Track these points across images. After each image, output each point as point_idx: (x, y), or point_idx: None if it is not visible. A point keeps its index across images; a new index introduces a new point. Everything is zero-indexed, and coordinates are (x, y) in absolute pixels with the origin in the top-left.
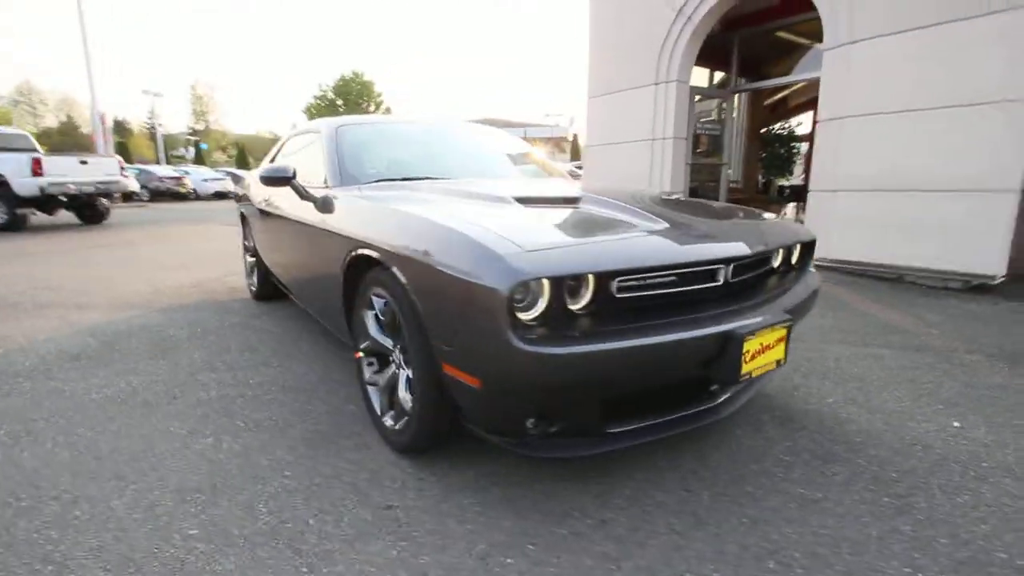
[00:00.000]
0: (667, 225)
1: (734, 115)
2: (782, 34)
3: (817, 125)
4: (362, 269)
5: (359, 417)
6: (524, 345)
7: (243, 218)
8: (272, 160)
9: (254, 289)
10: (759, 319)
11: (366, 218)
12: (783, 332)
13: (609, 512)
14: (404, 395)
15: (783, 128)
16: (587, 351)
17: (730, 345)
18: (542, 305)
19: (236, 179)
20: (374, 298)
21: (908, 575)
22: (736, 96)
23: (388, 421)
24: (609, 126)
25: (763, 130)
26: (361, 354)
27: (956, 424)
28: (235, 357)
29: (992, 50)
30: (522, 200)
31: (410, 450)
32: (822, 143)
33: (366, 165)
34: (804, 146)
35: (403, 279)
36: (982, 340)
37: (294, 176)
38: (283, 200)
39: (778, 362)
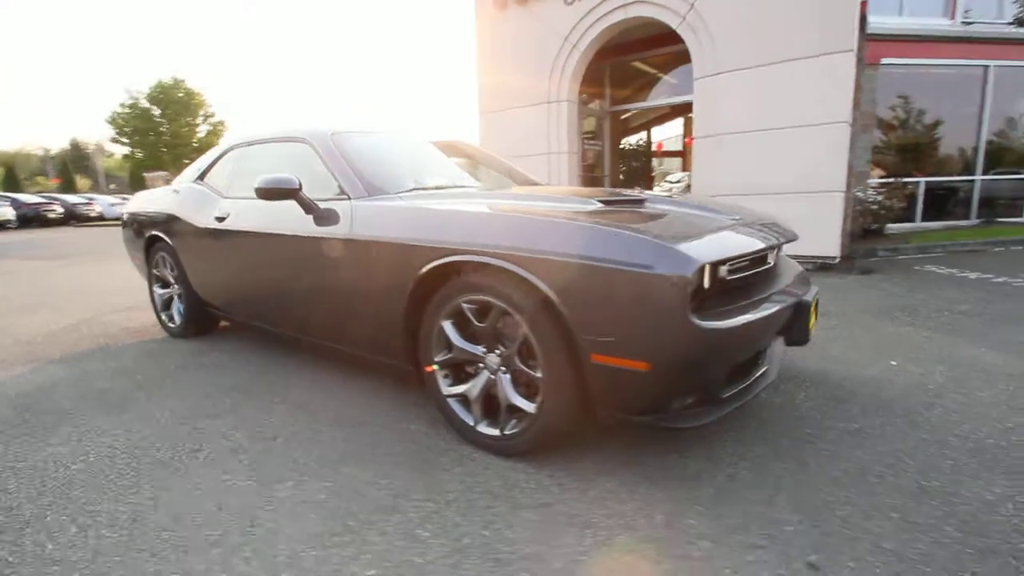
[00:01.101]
0: (738, 218)
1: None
2: (639, 65)
3: (693, 141)
4: (438, 279)
5: (432, 433)
6: (701, 322)
7: (150, 244)
8: (202, 176)
9: (175, 326)
10: (811, 290)
11: (453, 224)
12: (816, 301)
13: (730, 468)
14: (518, 399)
15: (638, 144)
16: (737, 324)
17: (801, 311)
18: (693, 288)
19: (145, 200)
20: (465, 306)
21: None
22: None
23: (487, 429)
24: (505, 141)
25: (620, 145)
26: (435, 367)
27: (893, 363)
28: (225, 401)
29: (816, 85)
30: (605, 203)
31: (526, 453)
32: (698, 156)
33: (389, 175)
34: (675, 161)
35: (537, 281)
36: (859, 304)
37: (300, 188)
38: (267, 216)
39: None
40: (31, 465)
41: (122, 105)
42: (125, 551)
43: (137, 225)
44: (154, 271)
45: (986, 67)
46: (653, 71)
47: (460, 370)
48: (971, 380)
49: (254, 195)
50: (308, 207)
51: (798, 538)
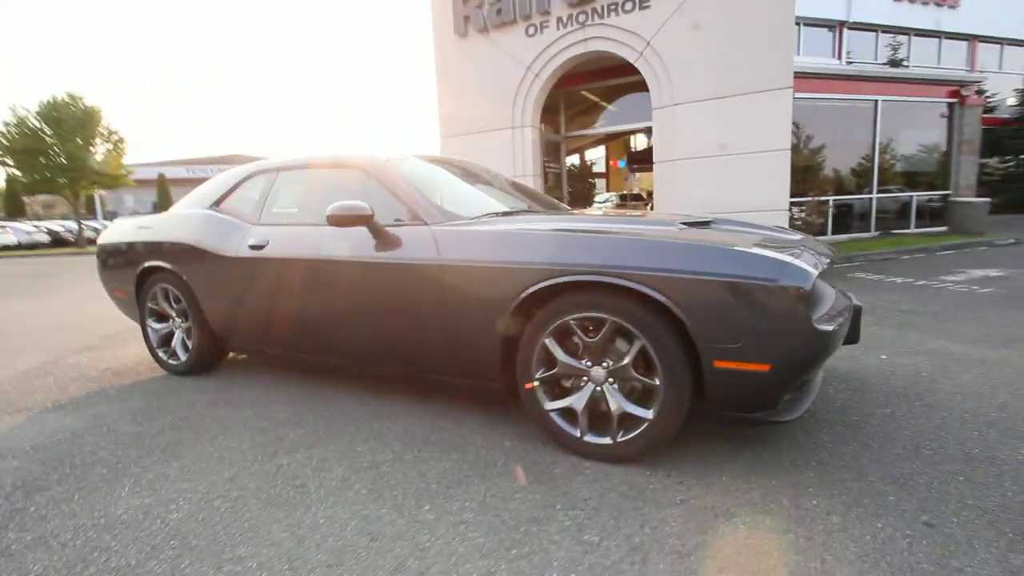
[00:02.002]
0: (801, 238)
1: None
2: (588, 94)
3: (655, 165)
4: (543, 298)
5: (531, 448)
6: (819, 326)
7: (144, 276)
8: (218, 203)
9: (178, 362)
10: (852, 296)
11: (565, 245)
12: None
13: (814, 456)
14: (633, 407)
15: (571, 166)
16: (838, 326)
17: (857, 314)
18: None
19: (138, 227)
20: (574, 323)
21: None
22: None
23: (595, 439)
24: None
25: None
26: (536, 384)
27: (883, 356)
28: (289, 435)
29: (760, 116)
30: (687, 224)
31: (638, 458)
32: (659, 178)
33: (459, 201)
34: (600, 181)
35: (661, 297)
36: None
37: (374, 215)
38: (320, 242)
39: None
40: (119, 520)
41: (6, 124)
42: None
43: (125, 256)
44: (150, 305)
45: (875, 101)
46: (602, 102)
47: (555, 385)
48: (951, 367)
49: (298, 221)
50: (381, 234)
51: (903, 504)
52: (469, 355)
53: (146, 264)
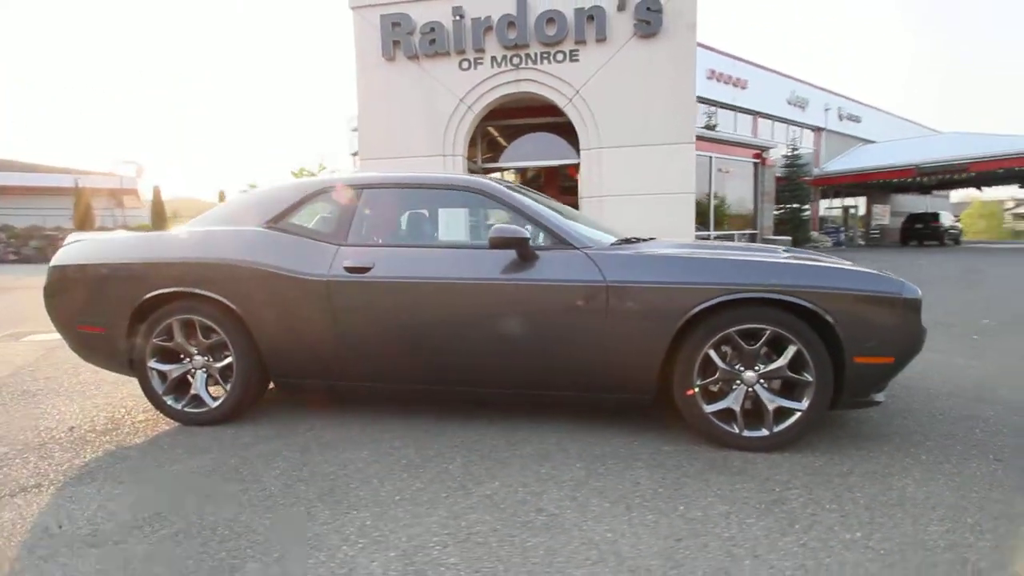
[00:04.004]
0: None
1: None
2: (493, 131)
3: (581, 200)
4: (707, 313)
5: (692, 450)
6: (923, 325)
7: (151, 306)
8: (277, 220)
9: (204, 409)
10: None
11: (734, 269)
12: None
13: (923, 455)
14: (787, 402)
15: None
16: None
17: None
18: None
19: (202, 238)
20: (735, 333)
21: None
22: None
23: (752, 433)
24: None
25: None
26: (695, 391)
27: None
28: (449, 466)
29: (671, 164)
30: (787, 249)
31: (790, 445)
32: (586, 212)
33: (581, 226)
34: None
35: (817, 309)
36: None
37: (529, 238)
38: (446, 264)
39: None
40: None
41: None
42: None
43: (111, 281)
44: (157, 342)
45: (710, 157)
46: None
47: (717, 390)
48: (952, 371)
49: (406, 243)
50: (531, 256)
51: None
52: (627, 369)
53: (157, 292)
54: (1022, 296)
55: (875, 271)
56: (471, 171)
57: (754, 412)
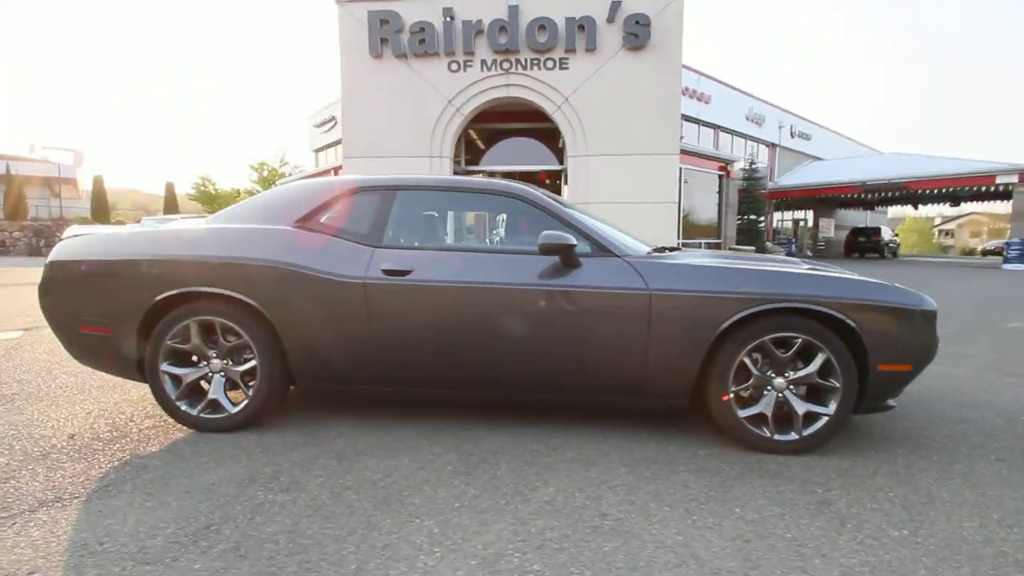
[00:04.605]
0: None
1: None
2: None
3: None
4: (743, 322)
5: (726, 453)
6: (937, 336)
7: (164, 306)
8: (305, 220)
9: (224, 415)
10: None
11: (774, 280)
12: None
13: (945, 455)
14: (815, 407)
15: None
16: None
17: None
18: None
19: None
20: (769, 341)
21: None
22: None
23: (782, 436)
24: None
25: None
26: (731, 396)
27: None
28: (497, 471)
29: (656, 174)
30: (807, 261)
31: (817, 448)
32: None
33: (619, 234)
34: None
35: (847, 319)
36: None
37: (576, 245)
38: (487, 268)
39: None
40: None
41: None
42: None
43: (119, 279)
44: (171, 344)
45: (680, 168)
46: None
47: (748, 395)
48: (933, 378)
49: (446, 246)
50: (576, 263)
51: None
52: (666, 375)
53: (175, 291)
54: (972, 307)
55: (895, 284)
56: (456, 173)
57: (783, 417)
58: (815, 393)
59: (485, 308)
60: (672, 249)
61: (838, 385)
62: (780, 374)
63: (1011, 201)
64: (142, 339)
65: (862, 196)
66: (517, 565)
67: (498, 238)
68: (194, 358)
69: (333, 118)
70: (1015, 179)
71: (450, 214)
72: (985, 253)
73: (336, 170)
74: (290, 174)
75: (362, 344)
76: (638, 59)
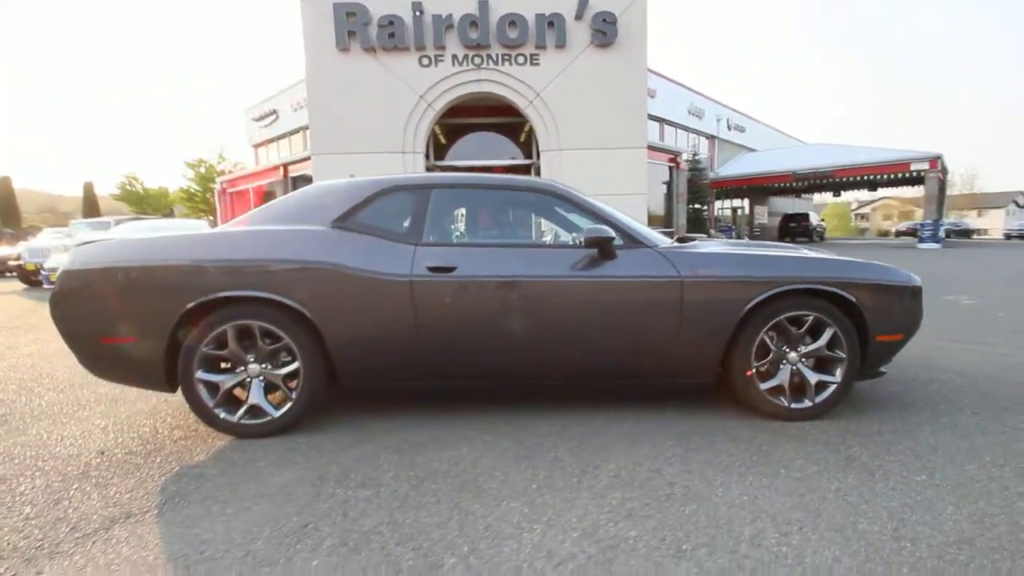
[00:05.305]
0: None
1: None
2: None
3: None
4: (766, 302)
5: (748, 423)
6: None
7: (198, 312)
8: (343, 220)
9: (267, 419)
10: None
11: (786, 264)
12: None
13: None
14: (824, 376)
15: None
16: None
17: None
18: None
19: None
20: (785, 320)
21: None
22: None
23: (797, 405)
24: None
25: None
26: (753, 371)
27: None
28: (564, 456)
29: (625, 167)
30: (806, 247)
31: (826, 414)
32: None
33: (644, 227)
34: None
35: (852, 297)
36: None
37: (615, 237)
38: (525, 262)
39: None
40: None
41: None
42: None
43: (145, 286)
44: (206, 351)
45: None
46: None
47: (768, 369)
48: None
49: (485, 242)
50: (613, 254)
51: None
52: (697, 355)
53: (211, 296)
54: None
55: (888, 265)
56: (428, 169)
57: (797, 387)
58: (822, 364)
59: (530, 300)
60: (694, 239)
61: (844, 356)
62: (794, 349)
63: (923, 186)
64: (172, 348)
65: (793, 184)
66: (615, 533)
67: (530, 233)
68: (229, 364)
69: (274, 111)
70: (927, 166)
71: (495, 211)
72: (898, 234)
73: (286, 167)
74: (230, 171)
75: (410, 341)
76: (606, 56)
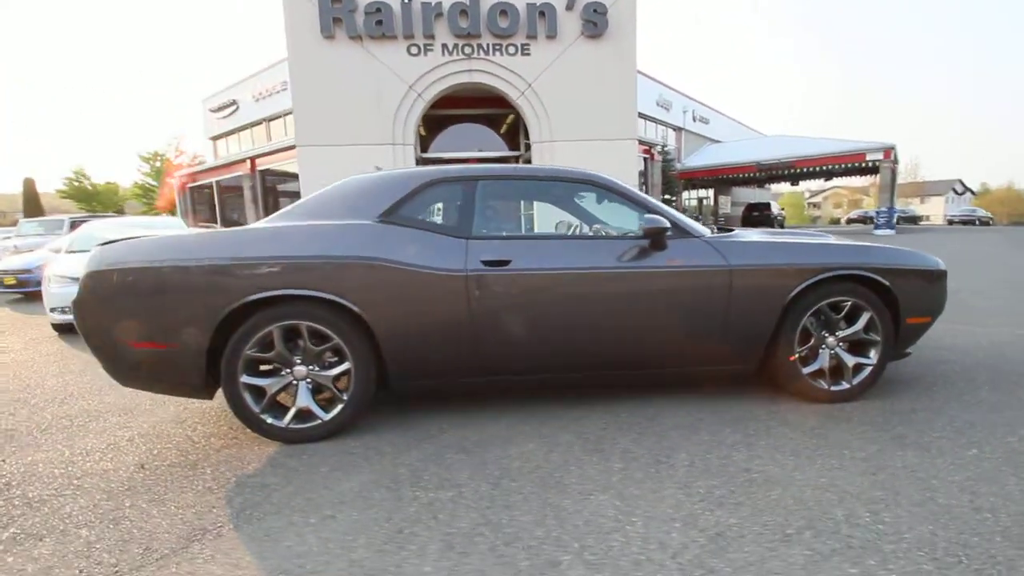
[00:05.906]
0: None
1: None
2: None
3: None
4: (808, 289)
5: (792, 407)
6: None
7: (242, 313)
8: (388, 214)
9: (317, 423)
10: None
11: (823, 252)
12: None
13: (977, 394)
14: (861, 359)
15: None
16: None
17: None
18: None
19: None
20: (826, 306)
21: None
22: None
23: (836, 387)
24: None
25: None
26: (796, 356)
27: None
28: (631, 446)
29: (616, 157)
30: (831, 235)
31: (863, 395)
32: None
33: (688, 218)
34: None
35: (885, 281)
36: None
37: (669, 228)
38: (578, 255)
39: None
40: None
41: None
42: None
43: (182, 288)
44: (251, 353)
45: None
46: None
47: (807, 354)
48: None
49: (536, 234)
50: (665, 245)
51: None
52: (744, 342)
53: (256, 296)
54: None
55: (917, 250)
56: (418, 162)
57: (835, 370)
58: (857, 347)
59: (586, 292)
60: (732, 230)
61: (878, 339)
62: (832, 333)
63: (876, 175)
64: (212, 352)
65: (756, 175)
66: (715, 522)
67: (575, 226)
68: (274, 367)
69: (234, 102)
70: (881, 156)
71: (542, 203)
72: (850, 222)
73: (253, 160)
74: (188, 164)
75: (465, 337)
76: (597, 47)
